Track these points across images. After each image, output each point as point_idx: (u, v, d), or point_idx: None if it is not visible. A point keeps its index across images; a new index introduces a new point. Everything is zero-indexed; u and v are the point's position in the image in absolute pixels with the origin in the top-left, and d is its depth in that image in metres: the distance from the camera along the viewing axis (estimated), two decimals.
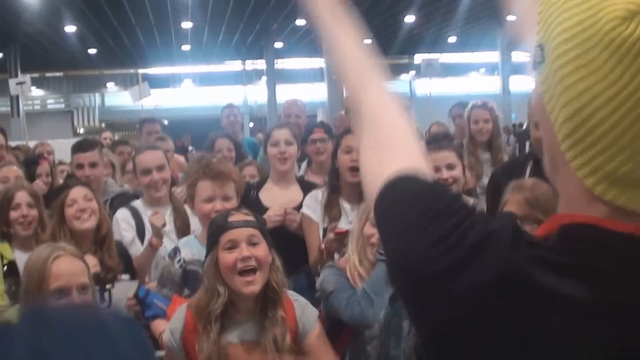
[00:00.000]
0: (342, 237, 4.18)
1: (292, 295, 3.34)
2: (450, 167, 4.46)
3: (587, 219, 1.00)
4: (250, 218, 3.25)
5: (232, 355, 3.10)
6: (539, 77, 1.06)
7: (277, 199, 4.93)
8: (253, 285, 3.10)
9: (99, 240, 4.16)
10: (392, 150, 1.21)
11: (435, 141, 5.63)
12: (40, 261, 3.05)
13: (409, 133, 1.24)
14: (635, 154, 0.94)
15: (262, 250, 3.16)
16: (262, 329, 3.14)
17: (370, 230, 3.39)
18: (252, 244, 3.15)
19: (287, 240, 4.33)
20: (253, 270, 3.10)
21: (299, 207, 4.81)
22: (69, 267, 3.08)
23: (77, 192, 4.18)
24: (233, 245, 3.13)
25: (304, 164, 6.00)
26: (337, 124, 7.68)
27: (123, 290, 4.03)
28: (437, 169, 4.50)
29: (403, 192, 1.10)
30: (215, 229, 3.21)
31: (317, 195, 4.68)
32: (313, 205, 4.66)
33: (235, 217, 3.21)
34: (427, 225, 1.01)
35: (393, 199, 1.10)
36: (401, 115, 1.28)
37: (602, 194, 0.99)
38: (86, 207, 4.15)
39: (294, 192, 4.99)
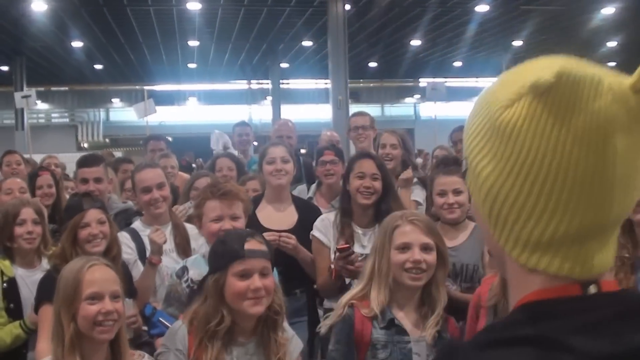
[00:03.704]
0: (345, 252, 4.19)
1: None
2: (457, 192, 4.46)
3: (529, 297, 1.12)
4: (265, 248, 3.25)
5: None
6: (467, 182, 1.23)
7: (272, 219, 4.91)
8: (259, 305, 3.13)
9: (108, 259, 4.15)
10: None
11: (444, 165, 5.61)
12: (76, 269, 3.10)
13: None
14: (540, 218, 1.09)
15: (271, 281, 3.19)
16: (259, 352, 3.19)
17: (400, 256, 3.38)
18: (263, 274, 3.16)
19: (281, 263, 4.32)
20: (261, 297, 3.13)
21: (294, 229, 4.80)
22: (103, 275, 3.12)
23: (92, 216, 4.18)
24: (246, 274, 3.13)
25: (313, 186, 5.98)
26: (320, 141, 7.74)
27: None
28: (444, 193, 4.50)
29: None
30: (229, 252, 3.18)
31: (329, 218, 4.67)
32: (324, 229, 4.65)
33: (251, 245, 3.20)
34: None
35: None
36: None
37: (527, 262, 1.12)
38: (98, 232, 4.16)
39: (289, 214, 4.97)
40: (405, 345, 3.34)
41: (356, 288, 3.51)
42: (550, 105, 1.06)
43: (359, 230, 4.57)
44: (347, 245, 4.28)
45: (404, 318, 3.40)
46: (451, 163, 5.77)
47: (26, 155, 10.64)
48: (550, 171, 1.06)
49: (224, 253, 3.21)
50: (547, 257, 1.11)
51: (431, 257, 3.39)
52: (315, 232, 4.68)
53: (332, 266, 4.36)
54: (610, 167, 1.06)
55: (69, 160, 11.95)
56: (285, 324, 3.39)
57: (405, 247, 3.39)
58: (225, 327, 3.11)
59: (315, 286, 4.85)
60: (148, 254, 4.55)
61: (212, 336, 3.11)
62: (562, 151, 1.06)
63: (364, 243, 4.42)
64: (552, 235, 1.09)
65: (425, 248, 3.40)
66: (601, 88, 1.05)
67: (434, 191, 4.58)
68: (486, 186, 1.14)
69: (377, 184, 4.53)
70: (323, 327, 3.50)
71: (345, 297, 3.49)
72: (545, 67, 1.07)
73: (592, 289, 1.11)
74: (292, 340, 3.36)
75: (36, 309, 4.06)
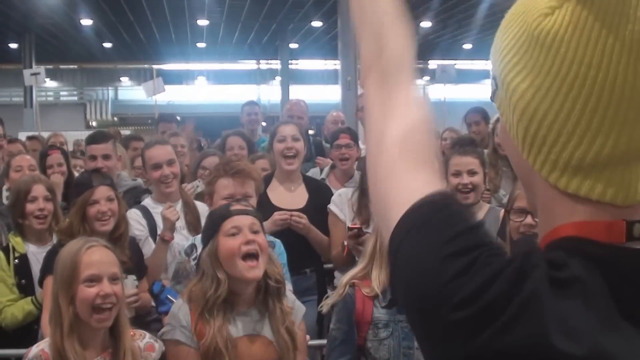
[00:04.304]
0: (357, 233, 4.20)
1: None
2: (471, 172, 4.45)
3: (568, 230, 1.02)
4: (250, 208, 3.37)
5: (235, 346, 3.16)
6: (497, 103, 1.13)
7: (283, 198, 4.91)
8: (256, 269, 3.18)
9: (116, 237, 4.18)
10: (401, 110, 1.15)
11: (460, 145, 5.58)
12: (74, 251, 3.11)
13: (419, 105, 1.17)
14: (582, 138, 0.98)
15: (262, 238, 3.27)
16: (264, 320, 3.25)
17: None
18: (253, 231, 3.23)
19: (291, 242, 4.34)
20: (256, 256, 3.19)
21: (304, 208, 4.80)
22: (102, 257, 3.13)
23: (101, 193, 4.19)
24: (236, 232, 3.20)
25: (326, 168, 5.98)
26: (326, 121, 7.77)
27: None
28: (458, 173, 4.49)
29: (429, 221, 1.00)
30: (217, 217, 3.30)
31: (347, 194, 4.67)
32: (340, 204, 4.66)
33: (236, 207, 3.32)
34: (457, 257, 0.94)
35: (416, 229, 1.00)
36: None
37: (566, 186, 1.02)
38: (107, 210, 4.17)
39: (300, 193, 4.96)
40: (407, 324, 3.32)
41: (357, 267, 3.51)
42: (597, 12, 0.97)
43: None
44: (359, 226, 4.28)
45: None
46: (466, 143, 5.75)
47: (35, 133, 10.71)
48: (595, 85, 0.97)
49: (212, 220, 3.32)
50: (589, 180, 1.01)
51: None
52: (331, 206, 4.72)
53: (345, 242, 4.37)
54: None
55: (78, 138, 11.98)
56: (287, 292, 3.45)
57: None
58: (223, 291, 3.15)
59: (324, 266, 4.87)
60: (159, 230, 4.56)
61: (212, 307, 3.14)
62: (609, 62, 0.96)
63: None
64: (595, 156, 0.99)
65: None
66: None
67: (449, 171, 4.57)
68: (522, 104, 1.04)
69: None
70: (325, 306, 3.52)
71: (346, 277, 3.50)
72: None
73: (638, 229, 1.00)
74: (295, 306, 3.42)
75: (40, 282, 4.09)
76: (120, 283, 3.15)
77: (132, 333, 3.22)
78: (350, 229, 4.31)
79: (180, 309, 3.23)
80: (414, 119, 1.14)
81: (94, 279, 3.04)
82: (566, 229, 1.02)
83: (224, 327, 3.14)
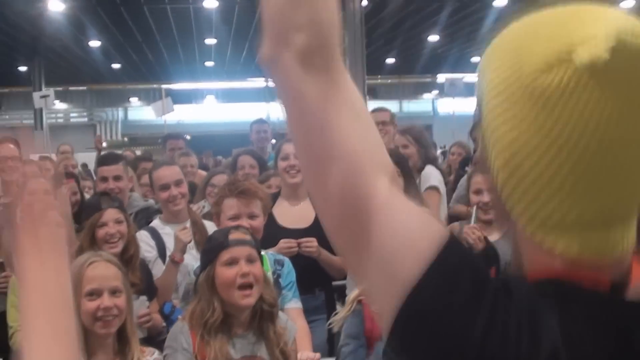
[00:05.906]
0: None
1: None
2: None
3: (550, 273, 1.00)
4: (249, 237, 3.39)
5: None
6: (479, 136, 1.08)
7: (288, 217, 4.91)
8: (250, 297, 3.25)
9: (126, 259, 4.19)
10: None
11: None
12: (78, 266, 3.16)
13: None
14: (564, 200, 0.95)
15: (258, 268, 3.32)
16: (260, 342, 3.31)
17: None
18: (249, 261, 3.28)
19: (299, 262, 4.34)
20: (250, 286, 3.24)
21: (311, 227, 4.76)
22: (103, 271, 3.20)
23: (109, 215, 4.23)
24: (233, 262, 3.26)
25: None
26: None
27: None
28: (480, 192, 4.50)
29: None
30: (215, 245, 3.34)
31: None
32: None
33: (235, 235, 3.35)
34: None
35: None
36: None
37: (541, 242, 0.99)
38: (115, 232, 4.21)
39: (306, 210, 4.92)
40: None
41: None
42: (598, 82, 0.91)
43: None
44: None
45: None
46: None
47: (45, 155, 10.72)
48: (587, 150, 0.92)
49: (211, 247, 3.37)
50: (565, 239, 0.97)
51: None
52: None
53: None
54: None
55: (88, 159, 12.01)
56: (280, 313, 3.51)
57: None
58: (218, 318, 3.21)
59: (334, 283, 4.85)
60: (168, 251, 4.57)
61: (210, 330, 3.20)
62: (605, 130, 0.91)
63: None
64: (576, 219, 0.95)
65: None
66: None
67: (471, 189, 4.61)
68: (506, 155, 0.99)
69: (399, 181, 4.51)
70: (335, 322, 3.57)
71: (354, 293, 3.54)
72: (595, 29, 0.91)
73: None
74: (287, 326, 3.45)
75: None
76: (123, 296, 3.20)
77: (142, 350, 3.27)
78: None
79: (181, 331, 3.28)
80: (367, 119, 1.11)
81: (95, 293, 3.12)
82: (550, 272, 1.00)
83: (224, 348, 3.19)
